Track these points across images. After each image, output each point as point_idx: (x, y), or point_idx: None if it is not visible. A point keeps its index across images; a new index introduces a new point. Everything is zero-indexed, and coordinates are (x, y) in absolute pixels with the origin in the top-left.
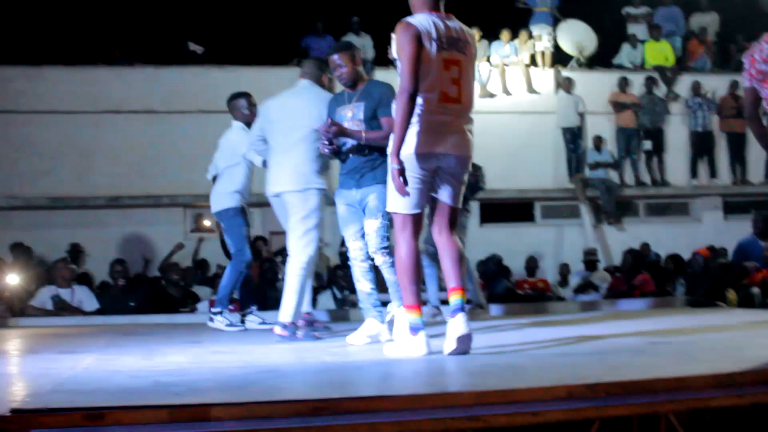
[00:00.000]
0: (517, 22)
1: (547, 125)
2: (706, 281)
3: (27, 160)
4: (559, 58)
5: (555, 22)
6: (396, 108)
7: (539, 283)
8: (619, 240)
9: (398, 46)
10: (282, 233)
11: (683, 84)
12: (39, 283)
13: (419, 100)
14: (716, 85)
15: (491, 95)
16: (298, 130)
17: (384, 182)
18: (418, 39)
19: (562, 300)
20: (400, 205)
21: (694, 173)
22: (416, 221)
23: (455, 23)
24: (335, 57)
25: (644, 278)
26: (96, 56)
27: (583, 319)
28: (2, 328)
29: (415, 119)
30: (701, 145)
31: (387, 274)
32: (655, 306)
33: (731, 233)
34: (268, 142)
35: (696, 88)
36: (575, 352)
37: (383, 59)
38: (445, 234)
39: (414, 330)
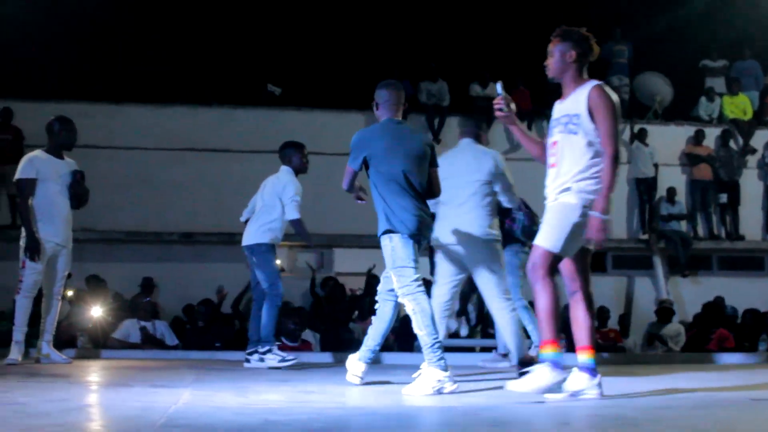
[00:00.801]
0: (594, 73)
1: (621, 176)
2: None
3: (104, 194)
4: (635, 109)
5: (631, 74)
6: (610, 169)
7: (610, 333)
8: (692, 293)
9: (606, 107)
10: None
11: (759, 138)
12: (120, 315)
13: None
14: None
15: None
16: (469, 186)
17: None
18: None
19: (622, 351)
20: (562, 247)
21: None
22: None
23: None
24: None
25: (723, 333)
26: (174, 95)
27: (663, 370)
28: (85, 359)
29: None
30: None
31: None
32: (738, 361)
33: None
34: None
35: None
36: (677, 405)
37: (457, 105)
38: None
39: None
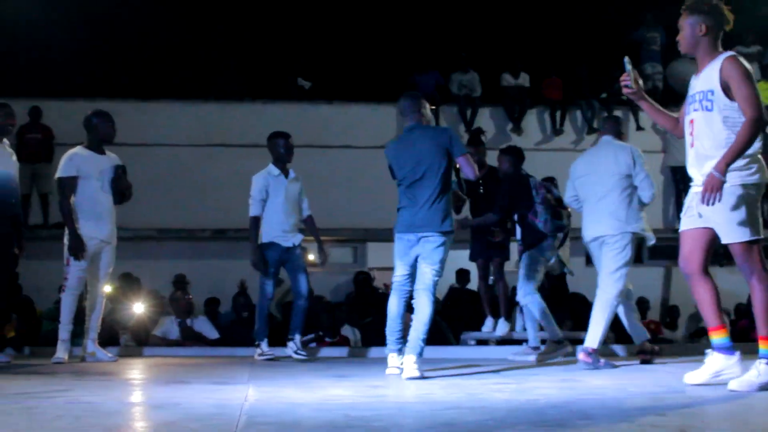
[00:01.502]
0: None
1: (655, 164)
2: None
3: (135, 191)
4: (669, 97)
5: (665, 61)
6: (745, 131)
7: (651, 324)
8: (731, 283)
9: (741, 75)
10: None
11: None
12: (158, 312)
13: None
14: None
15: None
16: (609, 180)
17: None
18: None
19: (669, 342)
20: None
21: None
22: None
23: None
24: None
25: None
26: (205, 90)
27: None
28: (129, 357)
29: (757, 150)
30: None
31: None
32: None
33: None
34: (579, 195)
35: None
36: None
37: (489, 96)
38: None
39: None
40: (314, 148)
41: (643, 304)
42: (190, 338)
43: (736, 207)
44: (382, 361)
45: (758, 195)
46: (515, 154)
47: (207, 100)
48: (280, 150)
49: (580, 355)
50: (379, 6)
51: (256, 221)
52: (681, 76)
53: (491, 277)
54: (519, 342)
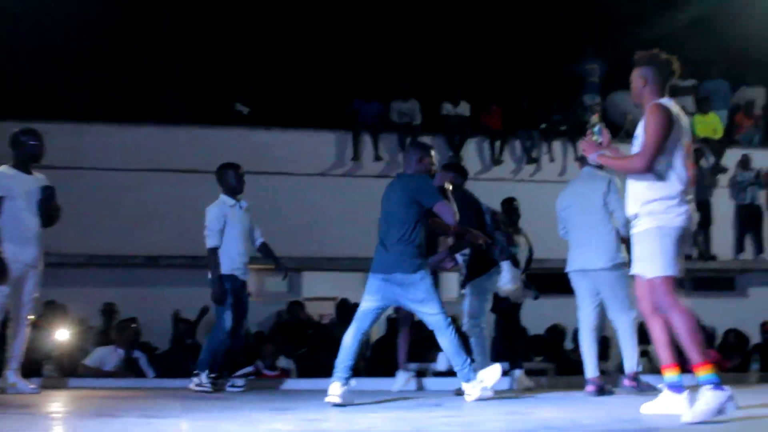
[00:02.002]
0: (566, 92)
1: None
2: None
3: (64, 214)
4: (608, 128)
5: (603, 93)
6: (626, 161)
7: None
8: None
9: (650, 123)
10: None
11: (730, 157)
12: (90, 341)
13: (680, 182)
14: (764, 158)
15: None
16: (592, 211)
17: None
18: (671, 123)
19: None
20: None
21: (740, 248)
22: None
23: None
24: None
25: (712, 353)
26: (141, 114)
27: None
28: (53, 388)
29: (680, 198)
30: (748, 219)
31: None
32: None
33: None
34: (567, 226)
35: (744, 162)
36: None
37: (429, 124)
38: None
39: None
40: (251, 175)
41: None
42: (133, 371)
43: (652, 246)
44: (317, 393)
45: (679, 235)
46: (458, 170)
47: (142, 123)
48: (231, 181)
49: (625, 382)
50: (319, 32)
51: (215, 252)
52: (620, 107)
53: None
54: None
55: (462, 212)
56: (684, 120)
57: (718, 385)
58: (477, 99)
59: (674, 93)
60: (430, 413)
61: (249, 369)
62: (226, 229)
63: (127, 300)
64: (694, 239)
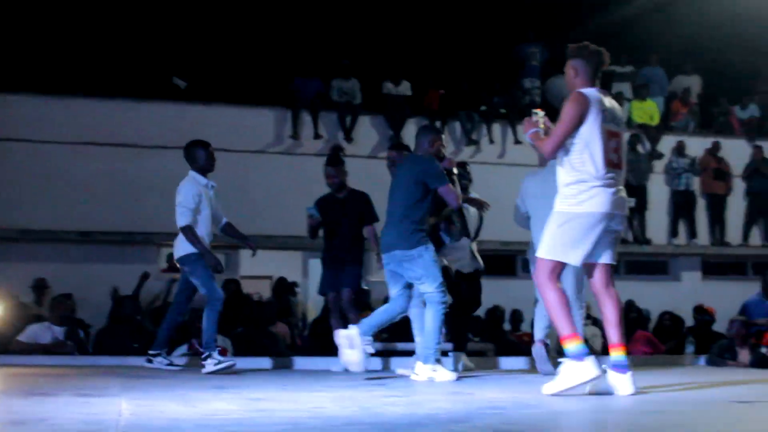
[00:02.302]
0: (509, 74)
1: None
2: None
3: None
4: (547, 112)
5: (543, 77)
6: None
7: (525, 336)
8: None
9: (563, 112)
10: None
11: (666, 144)
12: (22, 318)
13: (595, 168)
14: (698, 146)
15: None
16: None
17: None
18: (585, 111)
19: None
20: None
21: (674, 233)
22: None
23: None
24: None
25: (645, 335)
26: (74, 86)
27: None
28: None
29: (593, 184)
30: (683, 205)
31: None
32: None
33: (709, 293)
34: (530, 214)
35: (679, 148)
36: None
37: (370, 104)
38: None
39: (579, 356)
40: None
41: (517, 316)
42: (68, 345)
43: (548, 228)
44: (255, 373)
45: (586, 222)
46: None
47: (76, 95)
48: (201, 161)
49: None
50: (261, 7)
51: (191, 229)
52: (559, 91)
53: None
54: None
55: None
56: (611, 107)
57: (579, 357)
58: (418, 79)
59: (613, 79)
60: (374, 392)
61: (184, 347)
62: (198, 208)
63: (60, 276)
64: (629, 223)
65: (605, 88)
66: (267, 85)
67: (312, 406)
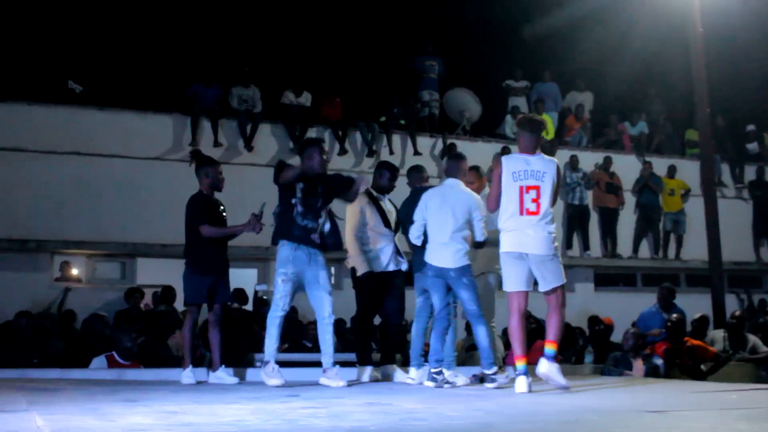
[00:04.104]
0: (404, 87)
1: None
2: (615, 350)
3: None
4: (445, 124)
5: (441, 90)
6: None
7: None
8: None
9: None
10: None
11: (560, 158)
12: None
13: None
14: (591, 160)
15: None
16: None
17: None
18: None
19: None
20: None
21: (568, 245)
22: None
23: (538, 158)
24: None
25: (539, 343)
26: None
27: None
28: None
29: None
30: (576, 218)
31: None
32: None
33: (601, 304)
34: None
35: (573, 163)
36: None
37: (270, 112)
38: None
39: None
40: (82, 156)
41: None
42: None
43: None
44: (164, 384)
45: (509, 258)
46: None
47: None
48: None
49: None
50: (160, 13)
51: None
52: (456, 104)
53: None
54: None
55: None
56: (522, 166)
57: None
58: (318, 89)
59: (509, 93)
60: (290, 404)
61: (102, 358)
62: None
63: None
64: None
65: (502, 101)
66: (166, 90)
67: (233, 419)
